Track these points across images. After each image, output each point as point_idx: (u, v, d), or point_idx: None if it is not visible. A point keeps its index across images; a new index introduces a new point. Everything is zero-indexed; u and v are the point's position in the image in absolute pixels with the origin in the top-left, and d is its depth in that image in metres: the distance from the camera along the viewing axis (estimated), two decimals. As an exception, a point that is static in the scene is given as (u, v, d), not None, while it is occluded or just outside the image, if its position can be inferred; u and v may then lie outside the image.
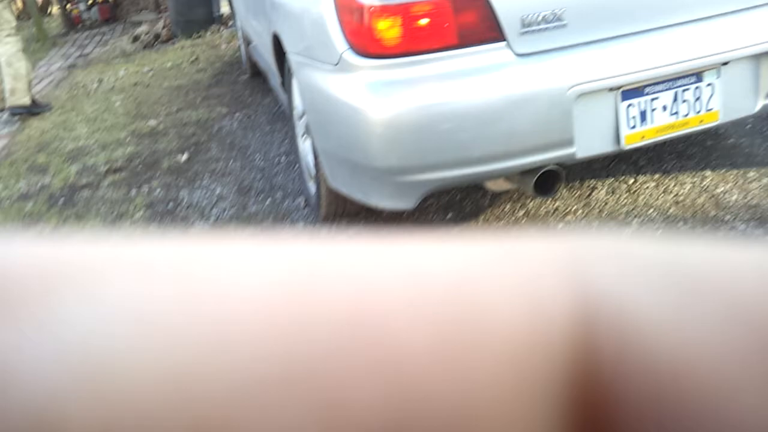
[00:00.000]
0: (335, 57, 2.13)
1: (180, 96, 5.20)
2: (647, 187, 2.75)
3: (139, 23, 8.32)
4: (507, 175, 2.22)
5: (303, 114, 2.76)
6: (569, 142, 2.08)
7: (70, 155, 4.22)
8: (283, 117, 4.07)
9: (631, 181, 2.82)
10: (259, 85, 5.00)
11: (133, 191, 3.54)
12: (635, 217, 2.57)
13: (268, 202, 3.19)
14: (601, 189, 2.80)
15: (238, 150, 3.89)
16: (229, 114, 4.56)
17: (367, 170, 2.18)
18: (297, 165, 3.31)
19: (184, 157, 3.89)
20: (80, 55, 7.66)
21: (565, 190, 2.83)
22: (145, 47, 7.27)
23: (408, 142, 2.04)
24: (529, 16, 2.01)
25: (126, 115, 4.89)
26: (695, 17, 2.14)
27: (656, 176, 2.82)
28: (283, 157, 3.66)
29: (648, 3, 2.09)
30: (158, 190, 3.53)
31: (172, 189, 3.52)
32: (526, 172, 2.19)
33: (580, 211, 2.66)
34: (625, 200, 2.69)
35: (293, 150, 3.47)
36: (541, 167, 2.15)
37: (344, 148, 2.23)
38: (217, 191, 3.40)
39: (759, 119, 3.17)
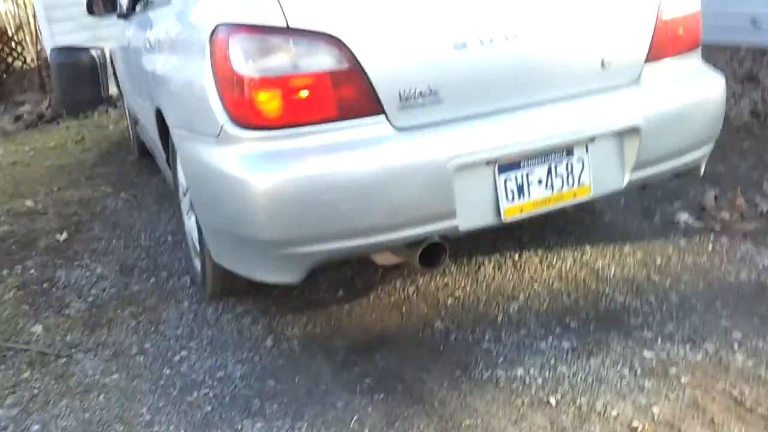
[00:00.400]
0: (216, 129, 2.11)
1: (62, 175, 4.99)
2: (532, 263, 2.83)
3: (23, 103, 8.03)
4: (392, 247, 2.22)
5: (187, 190, 2.70)
6: (451, 215, 2.12)
7: (-66, 235, 3.92)
8: (170, 196, 3.96)
9: (516, 257, 2.90)
10: (146, 165, 4.88)
11: (5, 271, 3.31)
12: (521, 291, 2.63)
13: (152, 282, 3.06)
14: (489, 265, 2.85)
15: (122, 229, 3.74)
16: (114, 193, 4.40)
17: (250, 243, 2.13)
18: (184, 244, 3.21)
19: (63, 236, 3.69)
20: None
21: (453, 267, 2.87)
22: (27, 127, 7.00)
23: (290, 214, 2.01)
24: (407, 91, 2.07)
25: (1, 194, 4.62)
26: (562, 95, 2.27)
27: (540, 252, 2.92)
28: (170, 236, 3.55)
29: (518, 81, 2.20)
30: (33, 269, 3.32)
31: (48, 268, 3.31)
32: (411, 244, 2.20)
33: (468, 288, 2.70)
34: (512, 275, 2.75)
35: (180, 229, 3.37)
36: (425, 240, 2.17)
37: (226, 222, 2.17)
38: (98, 270, 3.23)
39: (631, 197, 3.37)
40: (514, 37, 2.17)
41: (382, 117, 2.07)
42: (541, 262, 2.84)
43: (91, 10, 4.56)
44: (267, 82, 2.00)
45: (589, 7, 2.26)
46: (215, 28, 2.08)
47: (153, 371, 2.38)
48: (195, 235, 2.73)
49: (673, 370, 2.08)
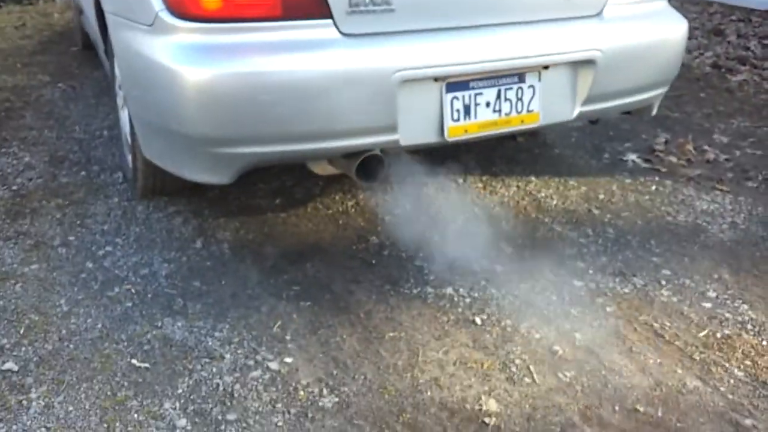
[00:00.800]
0: (151, 17, 1.98)
1: (-2, 60, 4.73)
2: (475, 187, 2.80)
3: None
4: (329, 156, 2.15)
5: (122, 82, 2.56)
6: (393, 129, 2.05)
7: None
8: (110, 90, 3.78)
9: (461, 180, 2.86)
10: (89, 58, 4.64)
11: (-76, 152, 3.13)
12: (461, 214, 2.59)
13: (82, 175, 2.93)
14: (431, 186, 2.81)
15: (56, 120, 3.56)
16: (51, 83, 4.18)
17: (180, 139, 2.03)
18: (119, 140, 3.07)
19: (-8, 121, 3.50)
20: None
21: (396, 185, 2.81)
22: (-34, 8, 6.56)
23: (224, 111, 1.91)
24: None
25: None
26: (520, 20, 2.19)
27: (484, 178, 2.88)
28: (106, 131, 3.40)
29: (476, 1, 2.11)
30: (-45, 153, 3.15)
31: (-29, 154, 3.14)
32: (349, 156, 2.13)
33: (408, 206, 2.65)
34: (454, 198, 2.71)
35: (117, 124, 3.22)
36: (364, 152, 2.10)
37: (157, 115, 2.06)
38: (26, 159, 3.08)
39: (582, 133, 3.34)
40: (476, -48, 2.06)
41: (329, 21, 1.96)
42: (484, 187, 2.80)
43: None
44: None
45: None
46: None
47: (75, 264, 2.29)
48: (128, 129, 2.61)
49: (600, 300, 2.09)
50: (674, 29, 2.44)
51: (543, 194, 2.74)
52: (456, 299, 2.10)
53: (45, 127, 3.46)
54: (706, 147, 3.17)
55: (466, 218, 2.57)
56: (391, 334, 1.95)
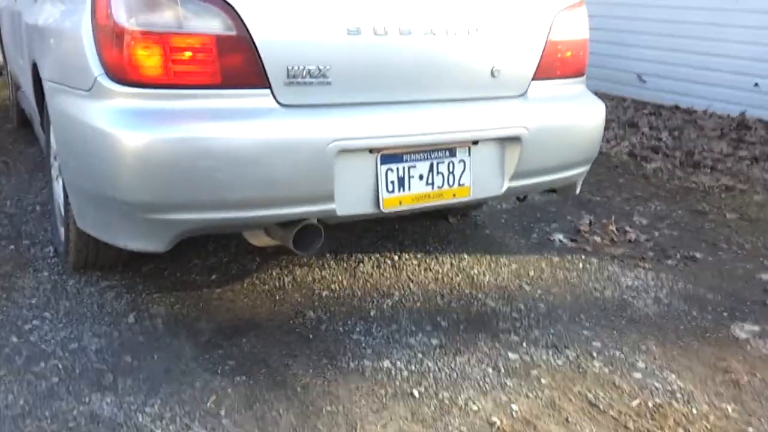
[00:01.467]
0: (89, 82, 2.00)
1: (-76, 134, 4.62)
2: (410, 265, 2.85)
3: None
4: (265, 225, 2.17)
5: (57, 154, 2.55)
6: (329, 198, 2.10)
7: None
8: (43, 167, 3.73)
9: (396, 257, 2.91)
10: (24, 135, 4.59)
11: None
12: (397, 290, 2.63)
13: (10, 249, 2.84)
14: (368, 263, 2.84)
15: (-15, 194, 3.48)
16: (-19, 158, 4.10)
17: (115, 205, 2.02)
18: (52, 215, 3.01)
19: None
20: None
21: (333, 262, 2.84)
22: None
23: (159, 176, 1.92)
24: (295, 68, 2.04)
25: None
26: (451, 97, 2.31)
27: (419, 255, 2.94)
28: (38, 207, 3.33)
29: (408, 77, 2.21)
30: None
31: None
32: (286, 225, 2.16)
33: (345, 282, 2.67)
34: (389, 274, 2.75)
35: (51, 199, 3.16)
36: (300, 221, 2.13)
37: (92, 181, 2.05)
38: (-51, 233, 2.98)
39: (511, 215, 3.47)
40: (408, 32, 2.18)
41: (267, 91, 2.03)
42: (419, 264, 2.86)
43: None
44: (148, 37, 1.91)
45: (484, 17, 2.32)
46: None
47: (-3, 338, 2.20)
48: (61, 200, 2.58)
49: (534, 372, 2.13)
50: (593, 111, 2.62)
51: (476, 271, 2.81)
52: (394, 372, 2.11)
53: (-29, 201, 3.38)
54: (627, 228, 3.33)
55: (402, 294, 2.60)
56: (329, 408, 1.93)
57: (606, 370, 2.16)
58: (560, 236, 3.21)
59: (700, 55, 5.86)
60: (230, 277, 2.69)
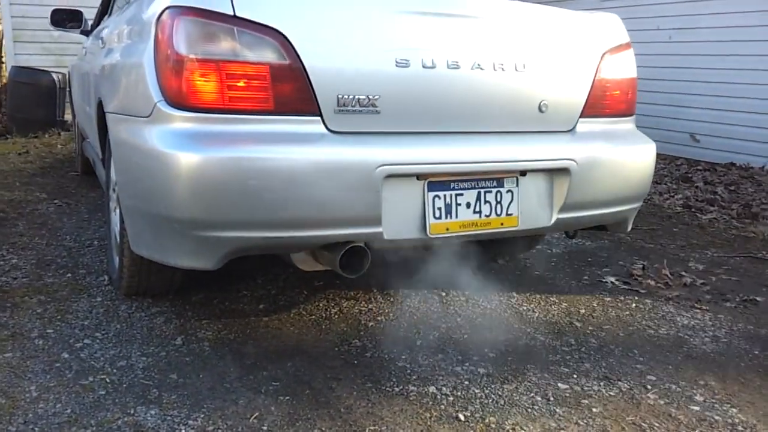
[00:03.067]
0: (149, 108, 2.09)
1: (-4, 179, 4.85)
2: (458, 300, 2.82)
3: (-29, 117, 7.86)
4: (313, 246, 2.18)
5: (116, 183, 2.65)
6: (376, 221, 2.11)
7: None
8: (103, 208, 3.86)
9: (443, 294, 2.88)
10: (88, 181, 4.78)
11: None
12: (444, 322, 2.59)
13: (67, 276, 2.93)
14: (415, 297, 2.82)
15: (48, 230, 3.60)
16: (47, 199, 4.27)
17: (167, 223, 2.07)
18: (107, 249, 3.10)
19: (-17, 229, 3.54)
20: None
21: (379, 295, 2.83)
22: (-31, 139, 6.80)
23: (211, 194, 1.97)
24: (345, 97, 2.09)
25: (-73, 187, 4.45)
26: (498, 130, 2.33)
27: (467, 292, 2.90)
28: (96, 241, 3.43)
29: (456, 109, 2.24)
30: (-58, 254, 3.16)
31: (-42, 255, 3.15)
32: (333, 247, 2.18)
33: (392, 314, 2.66)
34: (436, 309, 2.72)
35: (108, 236, 3.26)
36: (348, 243, 2.15)
37: (148, 201, 2.11)
38: (13, 261, 3.08)
39: (561, 259, 3.41)
40: (456, 65, 2.22)
41: (317, 117, 2.08)
42: (467, 300, 2.82)
43: (55, 22, 4.55)
44: (205, 65, 2.00)
45: (534, 54, 2.35)
46: (163, 11, 2.08)
47: (50, 354, 2.24)
48: (117, 228, 2.66)
49: (585, 401, 2.05)
50: (643, 148, 2.59)
51: (525, 308, 2.76)
52: (439, 397, 2.06)
53: (36, 235, 3.50)
54: (682, 273, 3.23)
55: (449, 326, 2.56)
56: (372, 428, 1.89)
57: (661, 402, 2.07)
58: (612, 279, 3.13)
59: (756, 114, 5.79)
60: (278, 307, 2.70)
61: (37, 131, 6.96)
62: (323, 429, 1.88)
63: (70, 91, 5.41)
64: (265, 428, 1.88)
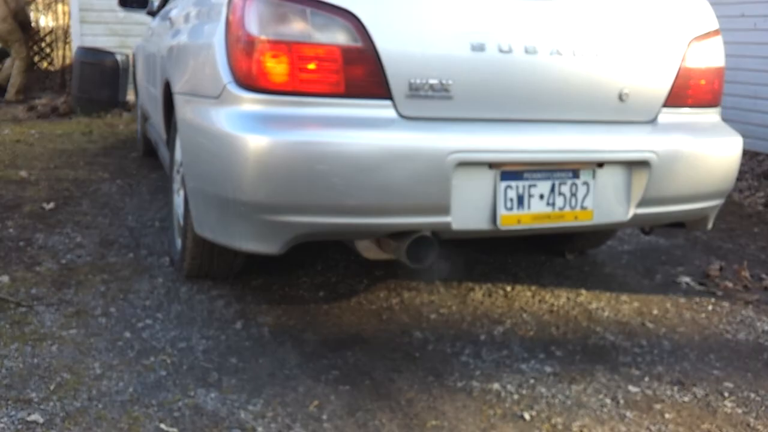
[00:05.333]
0: (218, 89, 2.06)
1: (62, 157, 4.94)
2: (524, 296, 2.72)
3: (40, 98, 8.07)
4: (379, 233, 2.12)
5: (181, 164, 2.64)
6: (445, 210, 2.04)
7: None
8: (166, 189, 3.88)
9: (509, 288, 2.79)
10: (149, 162, 4.83)
11: (-19, 226, 3.21)
12: (509, 318, 2.51)
13: (129, 257, 2.94)
14: (479, 291, 2.74)
15: (111, 209, 3.64)
16: (110, 179, 4.33)
17: (234, 206, 2.04)
18: (169, 231, 3.11)
19: (50, 205, 3.60)
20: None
21: (442, 288, 2.76)
22: (39, 117, 6.98)
23: (279, 178, 1.93)
24: (418, 82, 2.02)
25: (-2, 163, 4.57)
26: (575, 119, 2.22)
27: (533, 288, 2.81)
28: (158, 222, 3.45)
29: (532, 95, 2.14)
30: (12, 229, 3.21)
31: (27, 230, 3.21)
32: (399, 236, 2.12)
33: (455, 308, 2.58)
34: (501, 303, 2.64)
35: (170, 217, 3.27)
36: (415, 232, 2.08)
37: (214, 183, 2.09)
38: (77, 240, 3.12)
39: (633, 256, 3.28)
40: (533, 50, 2.13)
41: (388, 102, 2.02)
42: (533, 296, 2.73)
43: (122, 2, 4.59)
44: (277, 47, 1.96)
45: (615, 40, 2.23)
46: None
47: (113, 332, 2.25)
48: (181, 210, 2.66)
49: (657, 406, 1.95)
50: (728, 141, 2.44)
51: (594, 306, 2.65)
52: (503, 395, 1.98)
53: (99, 214, 3.54)
54: (763, 275, 3.06)
55: (514, 322, 2.48)
56: (434, 423, 1.83)
57: (739, 410, 1.95)
58: (687, 279, 2.99)
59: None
60: (337, 295, 2.65)
61: (100, 111, 7.10)
62: (383, 421, 1.83)
63: (134, 73, 5.48)
64: (324, 417, 1.84)
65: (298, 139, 1.95)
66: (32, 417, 1.75)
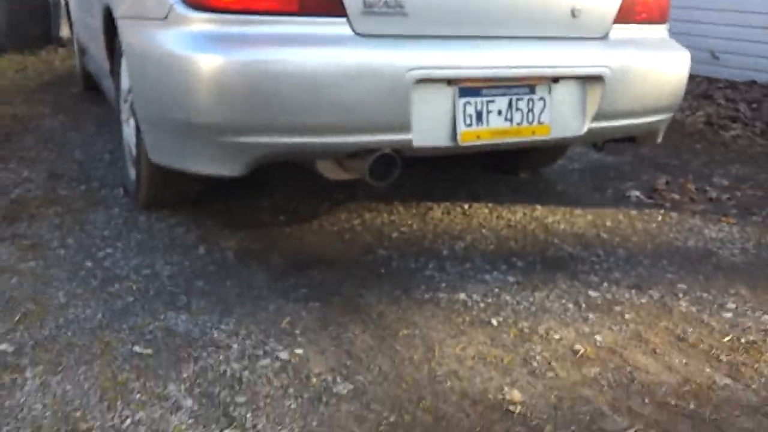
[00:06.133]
0: (164, 10, 1.99)
1: (-3, 95, 4.73)
2: (482, 212, 2.77)
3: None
4: (340, 152, 2.11)
5: (129, 92, 2.56)
6: (406, 127, 2.04)
7: None
8: (111, 122, 3.76)
9: (467, 206, 2.83)
10: (90, 97, 4.66)
11: None
12: (469, 234, 2.56)
13: (81, 189, 2.87)
14: (438, 209, 2.78)
15: (55, 144, 3.52)
16: (51, 115, 4.16)
17: (190, 130, 2.00)
18: (121, 162, 3.02)
19: (-10, 142, 3.46)
20: None
21: (401, 207, 2.78)
22: (-35, 54, 6.62)
23: (234, 99, 1.89)
24: None
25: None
26: (529, 35, 2.23)
27: (490, 205, 2.86)
28: (107, 155, 3.36)
29: (487, 12, 2.13)
30: (-49, 166, 3.09)
31: (-32, 167, 3.09)
32: (360, 155, 2.11)
33: (416, 226, 2.61)
34: (460, 221, 2.68)
35: (118, 149, 3.18)
36: (376, 151, 2.08)
37: (167, 108, 2.03)
38: (24, 174, 3.02)
39: (583, 173, 3.36)
40: (489, -33, 2.11)
41: (343, 19, 1.99)
42: (491, 213, 2.78)
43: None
44: None
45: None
46: None
47: (73, 263, 2.21)
48: (132, 140, 2.58)
49: (617, 308, 2.04)
50: (677, 56, 2.50)
51: (550, 220, 2.72)
52: (470, 304, 2.04)
53: (44, 149, 3.42)
54: (707, 188, 3.19)
55: (474, 237, 2.53)
56: (405, 332, 1.87)
57: (693, 309, 2.05)
58: (636, 193, 3.09)
59: (777, 30, 5.62)
60: (299, 218, 2.65)
61: (33, 48, 6.77)
62: (356, 332, 1.86)
63: (66, 6, 5.23)
64: (297, 332, 1.86)
65: (253, 58, 1.91)
66: (1, 347, 1.72)
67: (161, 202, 2.62)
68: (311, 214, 2.69)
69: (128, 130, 2.69)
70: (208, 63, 1.90)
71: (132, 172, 2.70)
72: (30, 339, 1.77)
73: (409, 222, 2.65)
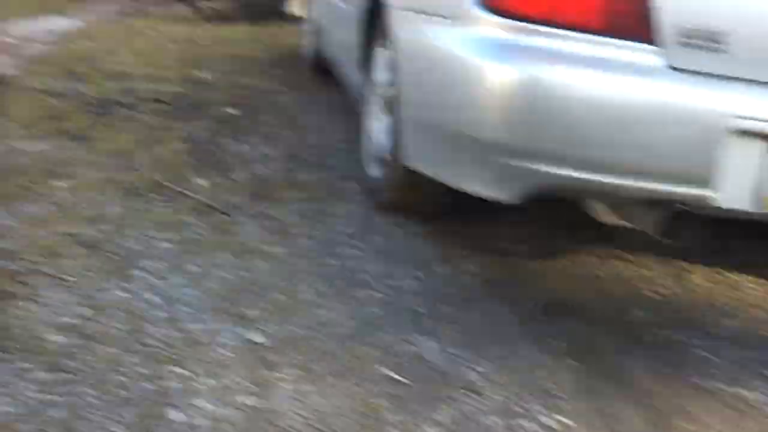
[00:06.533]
0: (458, 9, 1.86)
1: (236, 63, 4.91)
2: (753, 287, 2.42)
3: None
4: (630, 197, 1.87)
5: (385, 87, 2.47)
6: (706, 182, 1.75)
7: (110, 75, 3.88)
8: (344, 110, 3.74)
9: (734, 276, 2.49)
10: (320, 79, 4.71)
11: (175, 123, 3.18)
12: (740, 312, 2.23)
13: (319, 176, 2.84)
14: (697, 274, 2.46)
15: (291, 124, 3.56)
16: (286, 92, 4.24)
17: (469, 144, 1.85)
18: (355, 154, 2.96)
19: (234, 111, 3.55)
20: (138, 9, 7.42)
21: (653, 262, 2.50)
22: (203, 19, 7.02)
23: (531, 119, 1.73)
24: (692, 29, 1.72)
25: (178, 60, 4.58)
26: None
27: (762, 281, 2.49)
28: (344, 144, 3.32)
29: None
30: (202, 131, 3.18)
31: (216, 135, 3.17)
32: (647, 205, 1.87)
33: (673, 290, 2.32)
34: (726, 293, 2.35)
35: (354, 140, 3.12)
36: (668, 203, 1.83)
37: (444, 115, 1.91)
38: (265, 151, 3.05)
39: None
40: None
41: (655, 48, 1.75)
42: (766, 291, 2.42)
43: None
44: None
45: None
46: None
47: (318, 256, 2.15)
48: (383, 137, 2.49)
49: None
50: None
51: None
52: (754, 403, 1.74)
53: (283, 128, 3.47)
54: None
55: (747, 318, 2.20)
56: (682, 424, 1.62)
57: None
58: None
59: None
60: (541, 251, 2.45)
61: (261, 20, 7.05)
62: (623, 409, 1.63)
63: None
64: (559, 394, 1.66)
65: (558, 79, 1.74)
66: (257, 338, 1.67)
67: (403, 207, 2.51)
68: (554, 250, 2.47)
69: (378, 126, 2.61)
70: (505, 75, 1.76)
71: (374, 170, 2.62)
72: (282, 334, 1.70)
73: (665, 283, 2.36)
